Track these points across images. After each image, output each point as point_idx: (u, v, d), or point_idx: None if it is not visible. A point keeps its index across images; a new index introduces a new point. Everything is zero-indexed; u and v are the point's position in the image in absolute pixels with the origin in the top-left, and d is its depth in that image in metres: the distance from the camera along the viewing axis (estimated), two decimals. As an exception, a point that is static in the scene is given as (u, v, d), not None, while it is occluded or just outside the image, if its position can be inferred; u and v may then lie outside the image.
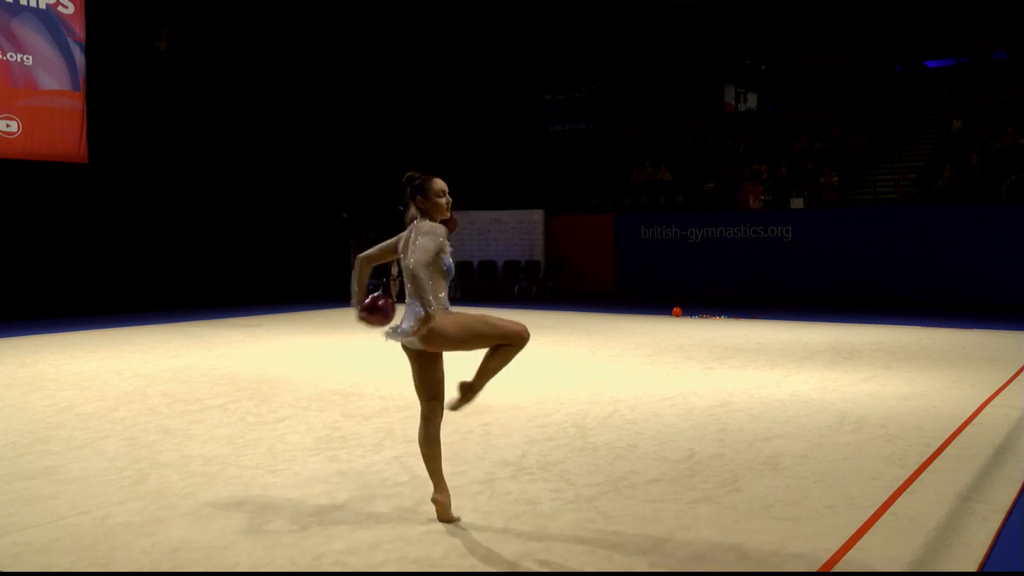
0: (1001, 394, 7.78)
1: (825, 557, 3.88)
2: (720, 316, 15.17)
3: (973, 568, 3.79)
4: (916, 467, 5.34)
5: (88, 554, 3.98)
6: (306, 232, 21.16)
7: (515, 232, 21.94)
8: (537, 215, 21.76)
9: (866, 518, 4.38)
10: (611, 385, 8.40)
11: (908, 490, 4.88)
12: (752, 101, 30.33)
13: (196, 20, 18.83)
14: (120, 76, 17.59)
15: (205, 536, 4.20)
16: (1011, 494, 4.83)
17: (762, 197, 20.44)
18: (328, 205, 21.83)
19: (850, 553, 3.94)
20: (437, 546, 4.07)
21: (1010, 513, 4.52)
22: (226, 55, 19.25)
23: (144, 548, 4.04)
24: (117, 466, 5.45)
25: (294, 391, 8.06)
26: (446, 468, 5.36)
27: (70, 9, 15.72)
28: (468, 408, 7.14)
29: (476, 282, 21.48)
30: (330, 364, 9.92)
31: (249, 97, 19.62)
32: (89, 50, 16.02)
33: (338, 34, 21.39)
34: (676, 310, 15.65)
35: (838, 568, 3.78)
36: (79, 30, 15.86)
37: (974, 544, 4.05)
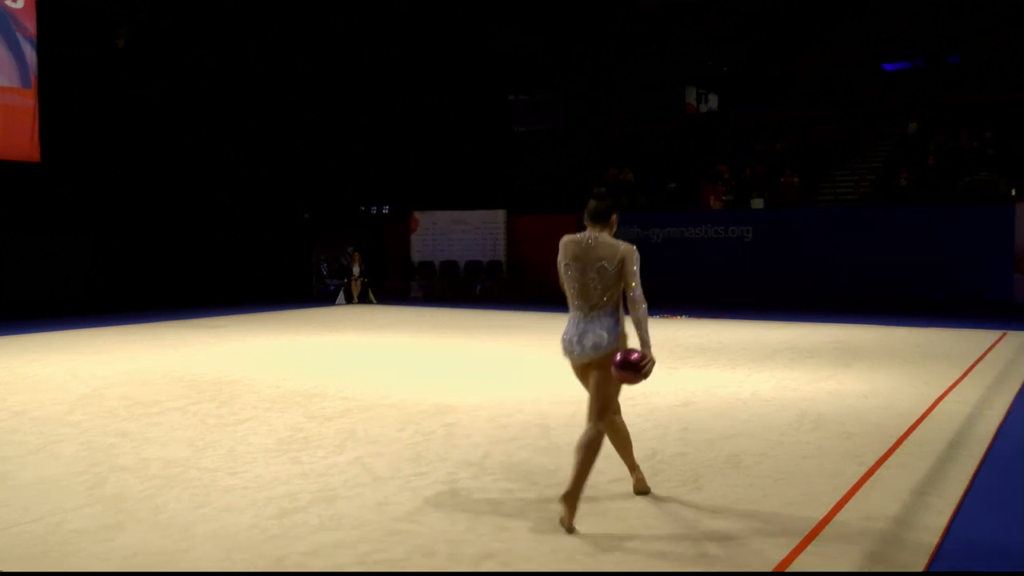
0: (955, 390, 7.94)
1: (784, 554, 3.94)
2: (681, 316, 15.29)
3: (924, 561, 3.86)
4: (873, 463, 5.43)
5: (41, 562, 3.91)
6: (267, 233, 20.99)
7: (478, 232, 21.95)
8: (499, 215, 21.78)
9: (824, 515, 4.45)
10: (574, 385, 8.38)
11: (865, 486, 4.97)
12: (713, 103, 30.59)
13: (154, 19, 18.64)
14: (76, 73, 17.33)
15: (164, 540, 4.15)
16: (962, 487, 4.96)
17: (723, 197, 20.64)
18: (289, 205, 21.68)
19: (809, 548, 4.00)
20: (399, 547, 4.07)
21: (960, 505, 4.62)
22: (183, 54, 19.05)
23: (100, 554, 3.99)
24: (73, 471, 5.37)
25: (255, 392, 8.00)
26: (409, 468, 5.37)
27: (19, 4, 15.38)
28: (430, 408, 7.17)
29: (438, 282, 21.46)
30: (292, 365, 9.86)
31: (208, 97, 19.43)
32: (41, 46, 15.69)
33: (298, 34, 21.23)
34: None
35: (796, 565, 3.84)
36: (30, 26, 15.54)
37: (926, 537, 4.14)
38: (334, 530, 4.30)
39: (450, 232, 22.08)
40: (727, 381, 8.57)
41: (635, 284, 4.40)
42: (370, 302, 19.03)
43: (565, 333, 4.55)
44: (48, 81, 16.02)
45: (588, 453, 4.32)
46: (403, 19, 23.86)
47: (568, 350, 4.51)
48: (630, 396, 7.70)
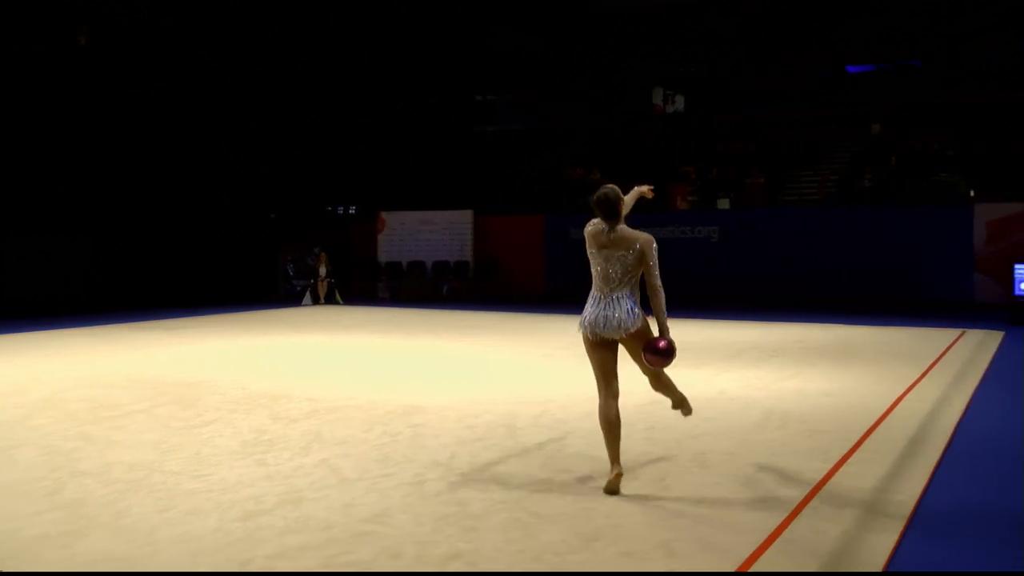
0: (916, 388, 8.05)
1: (749, 551, 3.97)
2: (648, 315, 15.34)
3: (884, 557, 3.91)
4: (837, 460, 5.49)
5: None
6: (233, 232, 20.80)
7: (445, 232, 21.91)
8: (466, 215, 21.75)
9: (789, 512, 4.49)
10: (541, 385, 8.44)
11: (830, 483, 5.02)
12: (680, 103, 30.76)
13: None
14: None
15: (127, 546, 4.10)
16: (922, 482, 5.04)
17: (690, 198, 20.77)
18: (255, 205, 21.51)
19: (774, 546, 4.04)
20: (366, 549, 4.05)
21: (921, 500, 4.70)
22: (144, 52, 18.89)
23: (59, 561, 3.93)
24: (32, 476, 5.29)
25: (220, 394, 7.93)
26: (375, 469, 5.35)
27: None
28: (397, 409, 7.14)
29: (405, 282, 21.39)
30: (258, 366, 9.78)
31: (172, 94, 19.28)
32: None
33: (263, 31, 21.08)
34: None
35: (762, 563, 3.87)
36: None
37: (887, 532, 4.20)
38: (300, 532, 4.27)
39: (417, 232, 22.01)
40: (693, 380, 8.61)
41: (654, 273, 4.92)
42: (337, 303, 18.94)
43: (587, 314, 4.99)
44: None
45: (678, 398, 5.28)
46: (370, 20, 23.78)
47: (593, 328, 4.92)
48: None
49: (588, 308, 5.00)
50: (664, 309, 4.91)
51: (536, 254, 21.41)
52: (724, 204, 20.02)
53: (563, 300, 19.14)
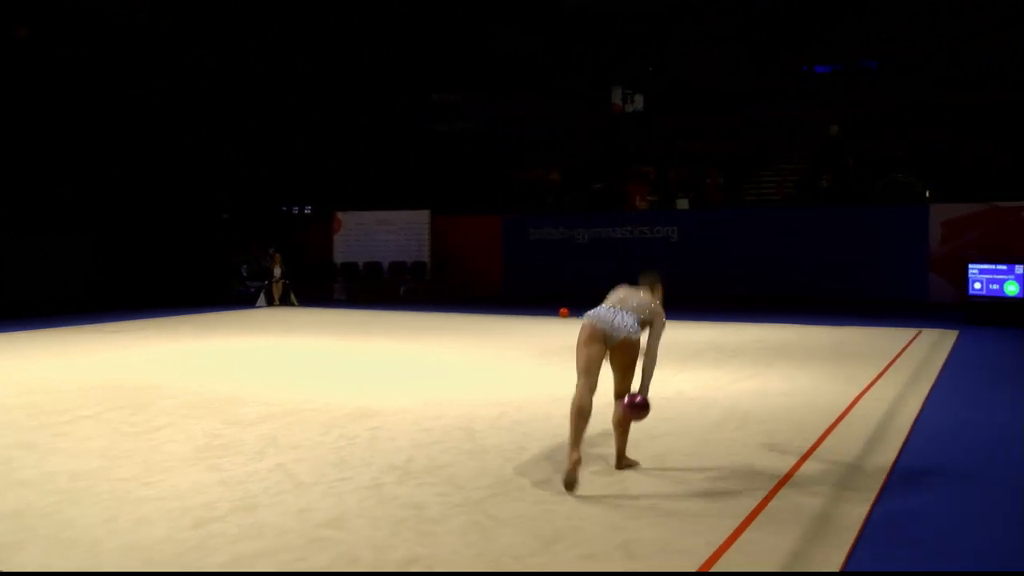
0: (873, 387, 8.17)
1: (709, 552, 3.99)
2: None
3: (841, 560, 3.96)
4: (796, 460, 5.55)
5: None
6: (184, 232, 20.49)
7: (401, 233, 21.82)
8: (424, 215, 21.69)
9: (748, 512, 4.53)
10: (499, 386, 8.43)
11: (789, 483, 5.07)
12: (639, 103, 30.93)
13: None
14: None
15: (69, 558, 4.01)
16: (879, 480, 5.12)
17: (648, 198, 20.90)
18: (207, 204, 21.23)
19: (735, 546, 4.07)
20: (322, 555, 4.01)
21: (878, 498, 4.77)
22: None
23: None
24: (-28, 484, 5.16)
25: (172, 398, 7.81)
26: (331, 473, 5.30)
27: None
28: (353, 412, 7.09)
29: (361, 283, 21.27)
30: (211, 369, 9.66)
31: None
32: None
33: (214, 26, 20.83)
34: (563, 310, 15.81)
35: (722, 564, 3.89)
36: None
37: (845, 530, 4.25)
38: (255, 539, 4.21)
39: (374, 233, 21.90)
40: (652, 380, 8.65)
41: (657, 337, 5.38)
42: (292, 304, 18.76)
43: (597, 310, 5.32)
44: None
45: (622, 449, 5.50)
46: (324, 18, 23.66)
47: (600, 321, 5.22)
48: (556, 397, 7.74)
49: (600, 307, 5.34)
50: (652, 374, 5.31)
51: (494, 255, 21.41)
52: (683, 204, 20.17)
53: (521, 301, 19.17)
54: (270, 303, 18.73)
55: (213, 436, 6.34)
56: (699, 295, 18.66)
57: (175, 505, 4.73)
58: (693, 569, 3.83)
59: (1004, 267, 13.97)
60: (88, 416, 7.08)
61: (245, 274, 21.55)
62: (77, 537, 4.28)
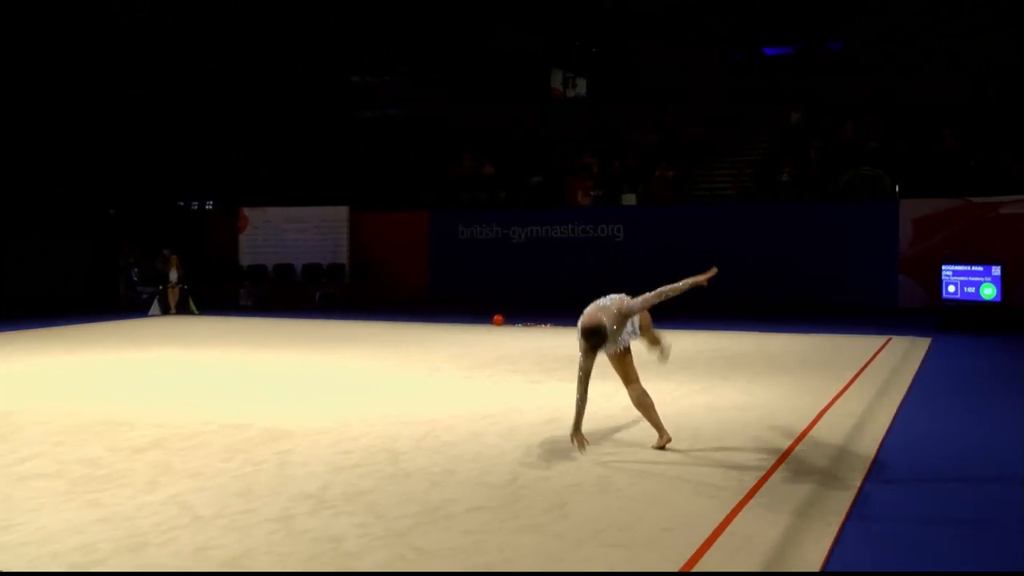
0: (838, 401, 8.32)
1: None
2: (546, 324, 15.48)
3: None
4: (754, 482, 5.62)
5: None
6: (65, 231, 20.05)
7: (316, 231, 21.66)
8: (341, 212, 21.56)
9: (703, 539, 4.58)
10: (425, 403, 8.41)
11: (747, 507, 5.13)
12: (582, 87, 31.14)
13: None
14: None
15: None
16: (845, 504, 5.19)
17: (592, 192, 21.04)
18: (91, 200, 20.81)
19: (685, 578, 4.10)
20: (222, 597, 3.94)
21: (844, 525, 4.83)
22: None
23: None
24: None
25: (44, 423, 7.60)
26: (235, 504, 5.23)
27: None
28: (261, 434, 7.00)
29: (270, 289, 21.03)
30: (93, 388, 9.46)
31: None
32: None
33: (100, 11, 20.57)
34: (497, 318, 15.85)
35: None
36: None
37: (810, 560, 4.31)
38: (142, 581, 4.12)
39: (285, 231, 21.70)
40: (595, 395, 8.66)
41: (645, 301, 6.66)
42: (190, 312, 18.50)
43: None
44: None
45: (646, 407, 6.69)
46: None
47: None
48: (488, 414, 7.75)
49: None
50: (669, 289, 6.77)
51: (420, 255, 21.36)
52: (630, 199, 20.36)
53: (450, 306, 19.15)
54: (165, 311, 18.44)
55: (93, 466, 6.18)
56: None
57: (44, 551, 4.54)
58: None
59: (980, 268, 14.25)
60: (-51, 443, 6.87)
61: (136, 278, 21.13)
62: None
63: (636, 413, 7.87)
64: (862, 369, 10.22)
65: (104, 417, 7.80)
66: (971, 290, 14.23)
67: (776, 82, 25.36)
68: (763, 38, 27.73)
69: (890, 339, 12.94)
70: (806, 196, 19.16)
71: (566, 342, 13.08)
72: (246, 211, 21.83)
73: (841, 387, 9.03)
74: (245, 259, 21.65)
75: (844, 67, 25.67)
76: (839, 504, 5.18)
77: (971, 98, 21.28)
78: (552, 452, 6.46)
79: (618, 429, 7.21)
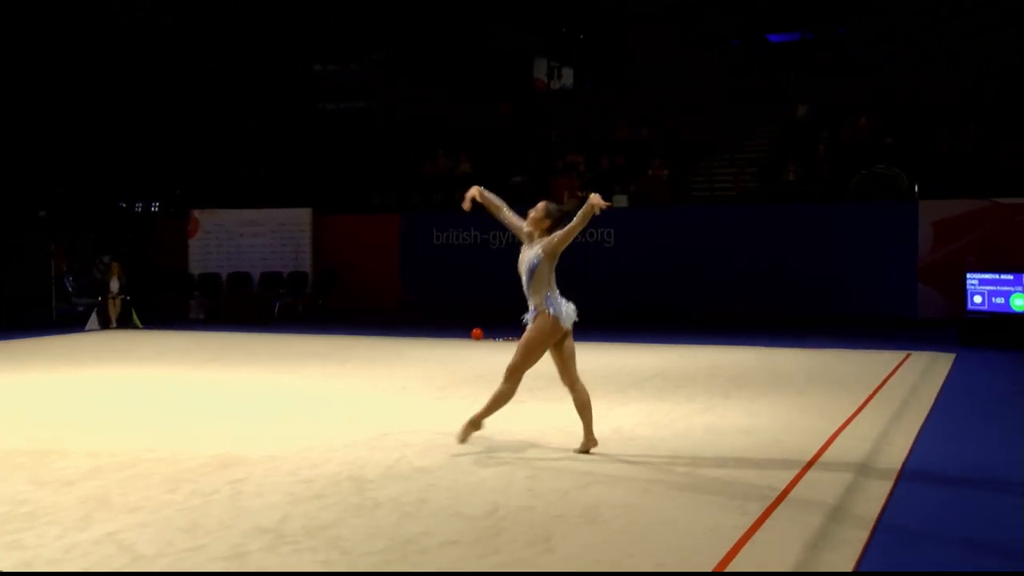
0: (851, 424, 8.31)
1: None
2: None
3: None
4: (759, 514, 5.59)
5: None
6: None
7: (275, 236, 21.61)
8: (304, 215, 21.51)
9: (701, 577, 4.55)
10: (396, 426, 8.36)
11: (750, 541, 5.10)
12: (568, 78, 31.20)
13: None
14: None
15: None
16: (861, 540, 5.16)
17: (579, 193, 21.03)
18: (19, 200, 20.70)
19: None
20: (164, 645, 3.89)
21: (860, 562, 4.81)
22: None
23: None
24: None
25: (-34, 450, 7.52)
26: (181, 541, 5.16)
27: None
28: (211, 461, 6.94)
29: (224, 300, 20.93)
30: (17, 414, 9.36)
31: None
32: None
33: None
34: (476, 332, 15.83)
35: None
36: None
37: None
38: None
39: (240, 236, 21.63)
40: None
41: (564, 235, 7.58)
42: (134, 326, 18.41)
43: (570, 308, 7.49)
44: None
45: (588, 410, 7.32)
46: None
47: (568, 317, 7.37)
48: (453, 435, 7.70)
49: (565, 302, 7.34)
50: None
51: (391, 262, 21.32)
52: (620, 201, 20.36)
53: (424, 319, 19.11)
54: (105, 325, 18.34)
55: (16, 502, 6.07)
56: (639, 311, 18.85)
57: (-38, 594, 4.51)
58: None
59: (1010, 277, 14.22)
60: None
61: (71, 289, 21.00)
62: None
63: (624, 437, 7.88)
64: (878, 388, 10.23)
65: (29, 446, 7.69)
66: (1000, 300, 14.19)
67: (782, 70, 25.43)
68: (764, 24, 27.82)
69: (909, 355, 12.96)
70: (815, 197, 19.16)
71: (550, 357, 13.05)
72: (197, 213, 21.74)
73: (855, 408, 9.03)
74: (195, 267, 21.56)
75: (853, 52, 25.78)
76: (852, 542, 5.15)
77: (990, 95, 21.38)
78: (535, 479, 6.42)
79: (607, 456, 7.16)
